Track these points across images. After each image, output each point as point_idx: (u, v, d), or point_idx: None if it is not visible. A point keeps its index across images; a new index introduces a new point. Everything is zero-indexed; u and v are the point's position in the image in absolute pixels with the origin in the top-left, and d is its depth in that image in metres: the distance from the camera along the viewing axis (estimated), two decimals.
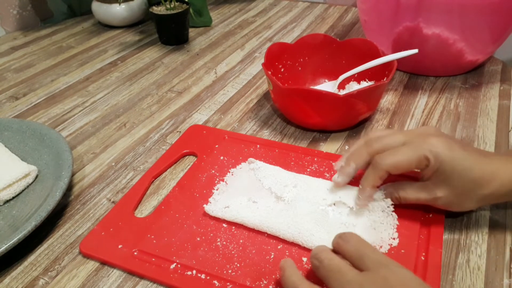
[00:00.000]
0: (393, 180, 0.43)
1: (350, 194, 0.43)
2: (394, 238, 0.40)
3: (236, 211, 0.43)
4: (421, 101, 0.63)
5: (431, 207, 0.43)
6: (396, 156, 0.39)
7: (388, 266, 0.31)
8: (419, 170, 0.41)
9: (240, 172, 0.49)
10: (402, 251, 0.39)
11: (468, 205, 0.40)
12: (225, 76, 0.74)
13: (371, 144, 0.41)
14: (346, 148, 0.54)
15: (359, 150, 0.42)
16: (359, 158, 0.42)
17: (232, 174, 0.49)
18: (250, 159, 0.50)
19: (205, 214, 0.44)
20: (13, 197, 0.48)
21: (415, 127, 0.57)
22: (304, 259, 0.39)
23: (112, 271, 0.40)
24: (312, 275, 0.36)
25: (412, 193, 0.41)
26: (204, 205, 0.44)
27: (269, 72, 0.57)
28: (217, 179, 0.49)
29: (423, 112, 0.61)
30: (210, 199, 0.46)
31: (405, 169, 0.39)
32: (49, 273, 0.40)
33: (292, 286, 0.33)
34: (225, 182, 0.48)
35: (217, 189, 0.47)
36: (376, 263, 0.31)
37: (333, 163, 0.48)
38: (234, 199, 0.45)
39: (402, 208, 0.43)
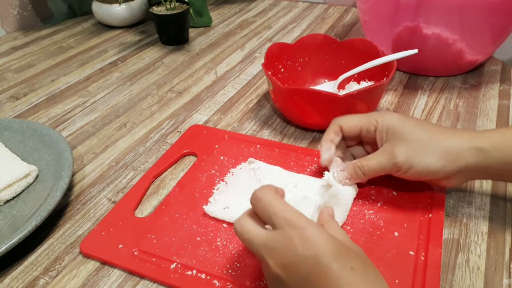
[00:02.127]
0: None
1: (349, 195, 0.43)
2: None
3: (236, 212, 0.43)
4: (421, 101, 0.63)
5: (430, 207, 0.43)
6: (349, 117, 0.45)
7: (295, 224, 0.31)
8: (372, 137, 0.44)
9: (240, 172, 0.49)
10: (402, 251, 0.39)
11: (430, 162, 0.39)
12: (225, 76, 0.74)
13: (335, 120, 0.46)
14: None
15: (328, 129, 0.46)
16: (327, 133, 0.45)
17: (232, 174, 0.49)
18: (250, 159, 0.50)
19: (205, 214, 0.44)
20: (14, 197, 0.48)
21: None
22: None
23: (113, 271, 0.40)
24: None
25: (373, 159, 0.42)
26: (204, 206, 0.44)
27: (269, 72, 0.57)
28: (217, 179, 0.49)
29: (422, 112, 0.61)
30: (210, 199, 0.46)
31: (356, 128, 0.44)
32: (49, 273, 0.40)
33: (266, 205, 0.33)
34: (225, 182, 0.48)
35: (217, 189, 0.47)
36: (283, 222, 0.31)
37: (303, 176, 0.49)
38: (234, 200, 0.45)
39: (402, 208, 0.43)
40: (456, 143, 0.39)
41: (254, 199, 0.34)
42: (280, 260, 0.30)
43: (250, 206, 0.43)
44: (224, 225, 0.43)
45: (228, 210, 0.43)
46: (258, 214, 0.33)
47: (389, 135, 0.41)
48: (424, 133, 0.40)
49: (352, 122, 0.44)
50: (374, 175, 0.42)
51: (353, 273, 0.29)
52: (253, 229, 0.33)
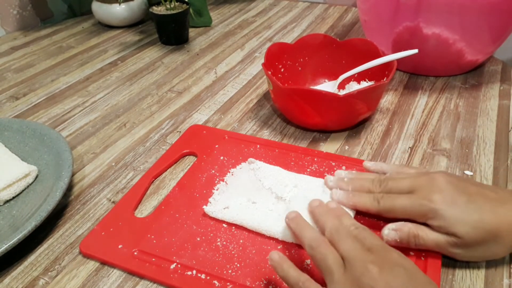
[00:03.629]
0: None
1: None
2: None
3: (235, 212, 0.43)
4: (421, 101, 0.63)
5: None
6: (395, 202, 0.39)
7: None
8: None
9: (240, 172, 0.49)
10: (402, 251, 0.39)
11: (498, 253, 0.37)
12: (225, 76, 0.74)
13: (380, 183, 0.41)
14: (346, 148, 0.54)
15: (367, 183, 0.42)
16: (359, 193, 0.42)
17: (232, 174, 0.49)
18: (250, 159, 0.50)
19: (205, 214, 0.44)
20: (13, 197, 0.48)
21: (416, 127, 0.57)
22: (307, 261, 0.39)
23: (112, 271, 0.40)
24: (311, 274, 0.36)
25: (432, 236, 0.37)
26: (204, 206, 0.44)
27: (269, 72, 0.57)
28: (217, 179, 0.49)
29: (423, 112, 0.61)
30: (210, 199, 0.46)
31: (399, 216, 0.39)
32: (49, 273, 0.40)
33: (294, 281, 0.33)
34: (225, 182, 0.48)
35: (217, 189, 0.47)
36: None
37: (336, 170, 0.46)
38: (234, 200, 0.45)
39: None
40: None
41: None
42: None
43: (249, 206, 0.44)
44: (224, 225, 0.43)
45: (228, 210, 0.43)
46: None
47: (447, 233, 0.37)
48: (487, 234, 0.35)
49: (394, 214, 0.39)
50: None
51: None
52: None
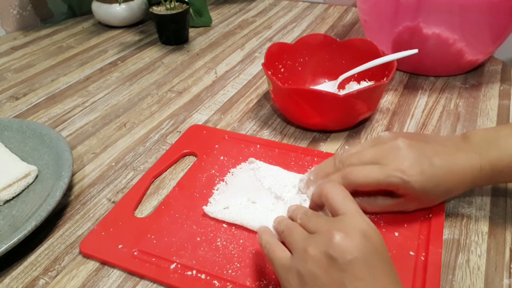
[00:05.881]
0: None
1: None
2: None
3: (235, 213, 0.43)
4: (421, 101, 0.63)
5: (431, 208, 0.43)
6: (364, 175, 0.39)
7: (363, 217, 0.32)
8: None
9: (240, 172, 0.49)
10: (402, 251, 0.39)
11: (433, 202, 0.42)
12: (225, 76, 0.74)
13: (342, 162, 0.41)
14: (346, 148, 0.54)
15: (328, 167, 0.42)
16: (327, 176, 0.42)
17: (232, 174, 0.49)
18: (251, 159, 0.50)
19: (205, 214, 0.44)
20: (13, 197, 0.48)
21: (415, 129, 0.57)
22: None
23: (112, 271, 0.40)
24: None
25: (384, 207, 0.42)
26: (204, 207, 0.44)
27: (269, 72, 0.57)
28: (217, 179, 0.49)
29: (423, 112, 0.61)
30: (210, 199, 0.46)
31: (372, 188, 0.40)
32: (49, 273, 0.40)
33: (263, 243, 0.35)
34: (225, 182, 0.48)
35: (217, 189, 0.47)
36: (352, 211, 0.33)
37: (300, 175, 0.46)
38: (234, 200, 0.45)
39: None
40: (471, 184, 0.40)
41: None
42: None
43: (248, 206, 0.44)
44: (224, 225, 0.43)
45: (228, 210, 0.43)
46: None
47: (406, 194, 0.40)
48: (441, 190, 0.40)
49: (369, 186, 0.40)
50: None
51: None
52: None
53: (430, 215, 0.42)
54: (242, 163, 0.51)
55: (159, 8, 0.84)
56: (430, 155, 0.39)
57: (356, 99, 0.51)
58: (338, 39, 0.63)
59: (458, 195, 0.43)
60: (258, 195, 0.45)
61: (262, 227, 0.37)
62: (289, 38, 0.87)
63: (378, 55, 0.58)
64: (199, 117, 0.62)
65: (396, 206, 0.42)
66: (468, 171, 0.39)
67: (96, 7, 0.93)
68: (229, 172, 0.50)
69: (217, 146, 0.54)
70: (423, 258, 0.38)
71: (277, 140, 0.56)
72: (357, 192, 0.41)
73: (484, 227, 0.42)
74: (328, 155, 0.52)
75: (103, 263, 0.41)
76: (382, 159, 0.39)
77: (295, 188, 0.45)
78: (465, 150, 0.40)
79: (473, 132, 0.42)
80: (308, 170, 0.49)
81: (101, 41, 0.89)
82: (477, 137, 0.41)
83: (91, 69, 0.77)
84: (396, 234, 0.41)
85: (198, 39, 0.88)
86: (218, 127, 0.60)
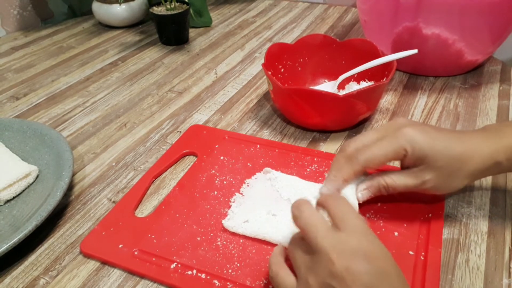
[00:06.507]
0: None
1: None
2: None
3: (257, 227, 0.41)
4: (421, 101, 0.63)
5: (430, 207, 0.43)
6: (372, 150, 0.39)
7: (366, 234, 0.30)
8: (398, 161, 0.41)
9: (256, 182, 0.48)
10: (402, 250, 0.39)
11: (456, 184, 0.40)
12: (225, 76, 0.74)
13: (345, 150, 0.40)
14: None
15: (338, 162, 0.41)
16: (345, 170, 0.40)
17: (248, 185, 0.48)
18: (266, 168, 0.49)
19: (205, 214, 0.44)
20: (14, 197, 0.48)
21: None
22: None
23: (113, 271, 0.40)
24: None
25: (399, 180, 0.40)
26: (223, 221, 0.43)
27: (269, 72, 0.57)
28: (233, 189, 0.47)
29: (422, 112, 0.61)
30: (229, 212, 0.44)
31: (382, 162, 0.39)
32: (49, 272, 0.40)
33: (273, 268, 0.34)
34: (241, 193, 0.47)
35: (233, 201, 0.46)
36: (354, 227, 0.31)
37: (319, 185, 0.46)
38: (253, 213, 0.43)
39: (402, 208, 0.43)
40: (480, 164, 0.38)
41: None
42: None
43: (269, 219, 0.42)
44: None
45: (248, 224, 0.42)
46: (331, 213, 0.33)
47: (418, 163, 0.39)
48: (453, 158, 0.38)
49: (378, 159, 0.39)
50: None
51: None
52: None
53: (430, 215, 0.43)
54: (257, 173, 0.49)
55: (159, 8, 0.84)
56: (436, 128, 0.40)
57: (356, 99, 0.52)
58: (338, 39, 0.63)
59: (476, 174, 0.39)
60: (278, 207, 0.43)
61: (277, 248, 0.36)
62: (289, 38, 0.87)
63: (378, 55, 0.58)
64: (199, 117, 0.62)
65: (413, 180, 0.39)
66: (483, 144, 0.38)
67: (97, 7, 0.93)
68: (244, 183, 0.48)
69: (217, 146, 0.54)
70: (422, 258, 0.38)
71: (277, 140, 0.56)
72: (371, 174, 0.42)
73: (483, 227, 0.42)
74: (328, 155, 0.52)
75: (104, 262, 0.41)
76: (387, 133, 0.39)
77: (315, 199, 0.45)
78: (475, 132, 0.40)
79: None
80: (308, 170, 0.49)
81: (101, 41, 0.89)
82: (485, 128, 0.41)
83: (92, 69, 0.77)
84: (396, 234, 0.41)
85: (198, 39, 0.88)
86: (218, 127, 0.60)
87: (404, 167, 0.41)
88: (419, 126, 0.39)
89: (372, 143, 0.39)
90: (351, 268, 0.28)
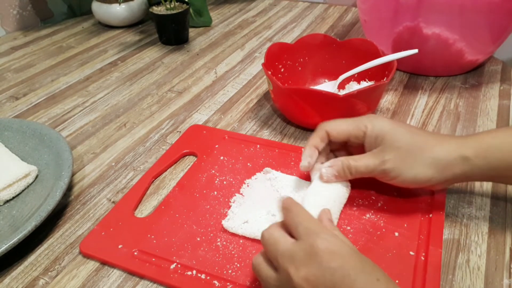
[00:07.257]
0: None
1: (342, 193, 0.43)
2: None
3: (256, 228, 0.41)
4: (421, 101, 0.63)
5: (431, 207, 0.43)
6: (336, 122, 0.43)
7: (318, 234, 0.31)
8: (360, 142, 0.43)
9: (256, 182, 0.48)
10: (402, 251, 0.39)
11: (418, 171, 0.39)
12: (225, 76, 0.74)
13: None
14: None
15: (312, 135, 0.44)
16: (312, 138, 0.44)
17: (248, 185, 0.48)
18: (266, 168, 0.49)
19: (205, 214, 0.44)
20: (13, 197, 0.48)
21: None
22: None
23: (112, 271, 0.40)
24: None
25: (361, 160, 0.41)
26: (223, 221, 0.43)
27: (269, 72, 0.57)
28: (233, 189, 0.47)
29: (423, 112, 0.61)
30: (229, 212, 0.44)
31: (344, 131, 0.43)
32: (49, 273, 0.40)
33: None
34: (241, 193, 0.47)
35: (233, 202, 0.46)
36: (307, 231, 0.32)
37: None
38: (253, 213, 0.43)
39: (402, 208, 0.43)
40: (444, 153, 0.39)
41: (284, 209, 0.35)
42: (304, 271, 0.30)
43: (269, 219, 0.42)
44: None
45: (248, 225, 0.42)
46: (287, 224, 0.34)
47: (379, 141, 0.40)
48: (414, 142, 0.39)
49: (340, 128, 0.43)
50: (361, 176, 0.42)
51: (379, 284, 0.29)
52: (280, 238, 0.33)
53: (430, 215, 0.42)
54: (257, 173, 0.49)
55: (159, 8, 0.84)
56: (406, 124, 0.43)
57: (356, 99, 0.51)
58: (338, 39, 0.63)
59: (441, 166, 0.39)
60: (277, 207, 0.44)
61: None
62: (289, 38, 0.87)
63: (378, 55, 0.58)
64: (199, 117, 0.62)
65: (374, 160, 0.40)
66: (451, 139, 0.40)
67: (96, 7, 0.93)
68: (244, 183, 0.48)
69: (217, 146, 0.54)
70: (423, 258, 0.38)
71: (277, 140, 0.56)
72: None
73: (484, 227, 0.42)
74: None
75: (103, 263, 0.41)
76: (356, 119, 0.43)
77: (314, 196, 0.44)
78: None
79: None
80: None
81: (101, 41, 0.89)
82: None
83: (91, 69, 0.77)
84: (396, 234, 0.41)
85: (198, 39, 0.88)
86: (218, 127, 0.60)
87: (367, 151, 0.42)
88: (388, 119, 0.42)
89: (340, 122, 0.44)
90: (308, 277, 0.30)
